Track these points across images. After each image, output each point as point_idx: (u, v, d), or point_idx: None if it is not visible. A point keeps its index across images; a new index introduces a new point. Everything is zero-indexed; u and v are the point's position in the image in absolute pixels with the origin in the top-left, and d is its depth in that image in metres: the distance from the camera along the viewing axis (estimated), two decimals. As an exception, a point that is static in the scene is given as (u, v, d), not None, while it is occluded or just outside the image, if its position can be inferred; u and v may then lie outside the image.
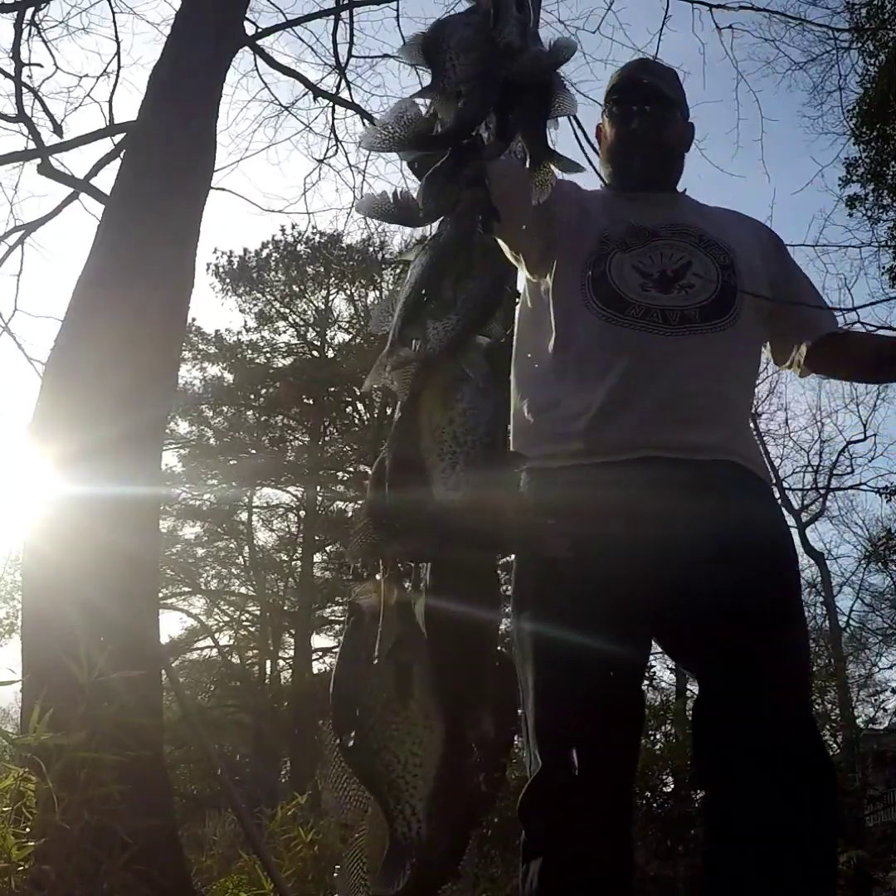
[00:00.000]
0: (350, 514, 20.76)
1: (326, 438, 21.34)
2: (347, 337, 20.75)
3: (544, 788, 1.67)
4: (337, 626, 21.45)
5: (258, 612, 20.76)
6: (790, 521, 17.73)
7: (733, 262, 1.88)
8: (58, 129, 7.55)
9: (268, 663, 20.54)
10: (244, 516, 20.60)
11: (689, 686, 10.93)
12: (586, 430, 1.76)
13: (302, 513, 20.54)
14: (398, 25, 9.12)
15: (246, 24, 6.67)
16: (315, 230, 19.28)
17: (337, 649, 1.12)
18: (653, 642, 1.84)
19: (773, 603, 1.70)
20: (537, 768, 1.68)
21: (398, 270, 19.38)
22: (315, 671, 20.38)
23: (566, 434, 1.79)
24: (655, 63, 2.25)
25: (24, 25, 7.67)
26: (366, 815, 1.08)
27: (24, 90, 7.65)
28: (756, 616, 1.68)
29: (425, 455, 1.13)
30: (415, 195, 1.28)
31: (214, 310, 30.92)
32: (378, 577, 1.12)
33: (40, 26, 8.08)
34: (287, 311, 20.58)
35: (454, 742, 1.05)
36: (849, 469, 18.67)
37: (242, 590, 20.99)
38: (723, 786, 1.69)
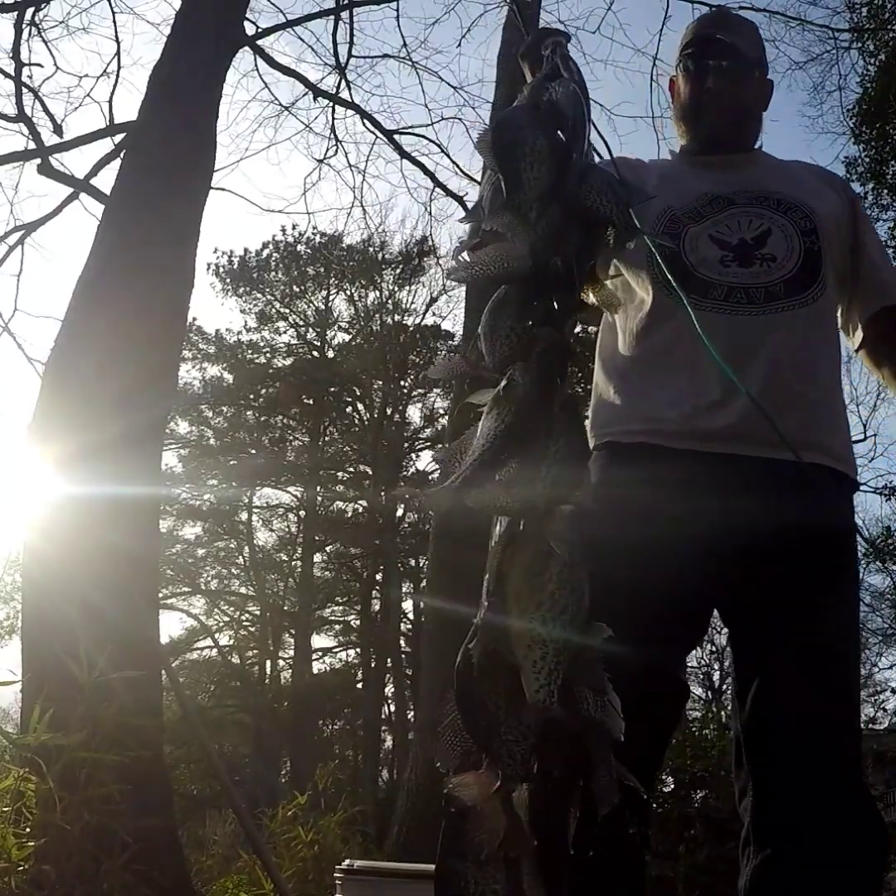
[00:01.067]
0: (350, 514, 20.81)
1: (326, 438, 21.35)
2: (347, 337, 20.79)
3: None
4: (337, 626, 21.51)
5: (258, 612, 20.77)
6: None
7: (816, 225, 1.78)
8: (58, 129, 7.55)
9: (268, 663, 20.54)
10: (244, 516, 20.62)
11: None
12: (679, 417, 1.69)
13: (302, 513, 20.55)
14: (398, 25, 9.19)
15: (246, 24, 6.67)
16: (315, 230, 19.31)
17: (440, 840, 1.05)
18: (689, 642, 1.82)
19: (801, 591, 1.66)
20: None
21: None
22: (315, 671, 20.41)
23: (653, 418, 1.71)
24: (734, 16, 2.10)
25: (24, 25, 7.67)
26: None
27: (24, 90, 7.65)
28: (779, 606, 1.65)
29: (515, 645, 1.03)
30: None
31: (214, 310, 30.93)
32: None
33: (40, 26, 8.08)
34: (287, 311, 20.59)
35: None
36: (849, 469, 18.65)
37: (242, 590, 21.00)
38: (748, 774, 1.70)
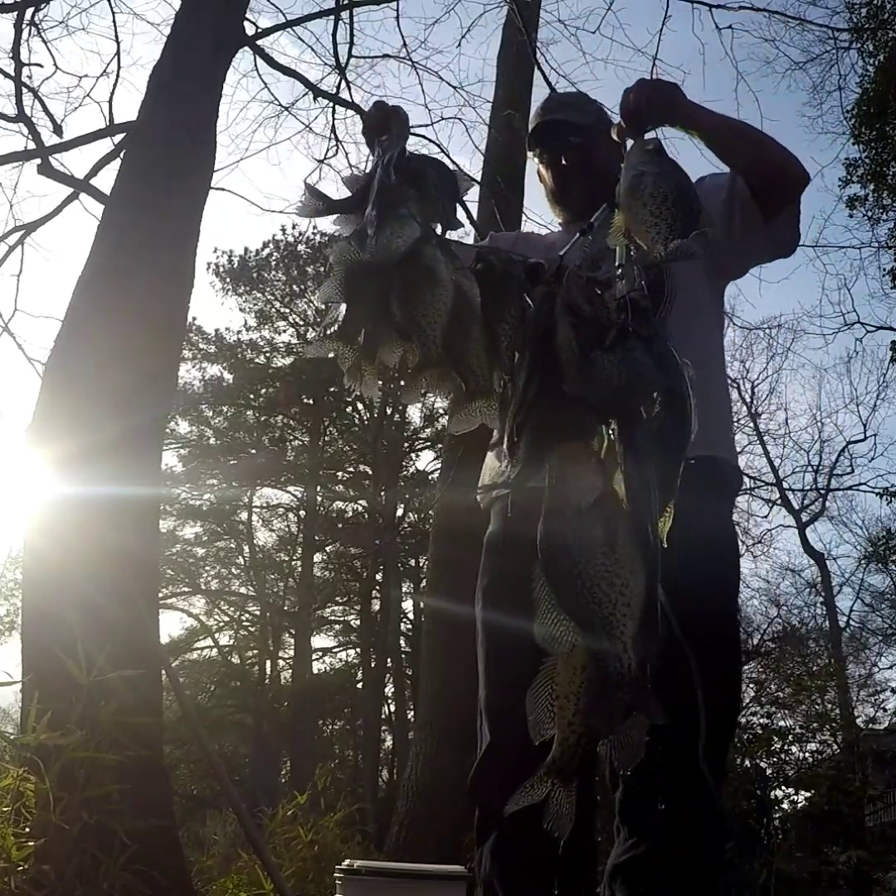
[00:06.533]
0: (350, 514, 20.80)
1: (326, 438, 21.35)
2: (347, 337, 20.75)
3: (490, 768, 1.74)
4: (337, 626, 21.51)
5: (258, 612, 20.78)
6: (790, 521, 17.73)
7: None
8: (58, 130, 7.53)
9: (268, 663, 20.55)
10: (244, 516, 20.63)
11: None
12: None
13: (302, 513, 20.55)
14: (398, 25, 9.15)
15: (246, 24, 6.66)
16: (315, 230, 19.29)
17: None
18: None
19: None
20: (485, 745, 1.76)
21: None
22: (315, 671, 20.41)
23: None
24: (562, 94, 2.38)
25: (24, 25, 7.65)
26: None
27: (24, 90, 7.62)
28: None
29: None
30: None
31: (214, 309, 30.95)
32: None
33: (40, 26, 8.06)
34: (287, 310, 20.60)
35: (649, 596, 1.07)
36: (849, 469, 18.70)
37: (242, 590, 21.01)
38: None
